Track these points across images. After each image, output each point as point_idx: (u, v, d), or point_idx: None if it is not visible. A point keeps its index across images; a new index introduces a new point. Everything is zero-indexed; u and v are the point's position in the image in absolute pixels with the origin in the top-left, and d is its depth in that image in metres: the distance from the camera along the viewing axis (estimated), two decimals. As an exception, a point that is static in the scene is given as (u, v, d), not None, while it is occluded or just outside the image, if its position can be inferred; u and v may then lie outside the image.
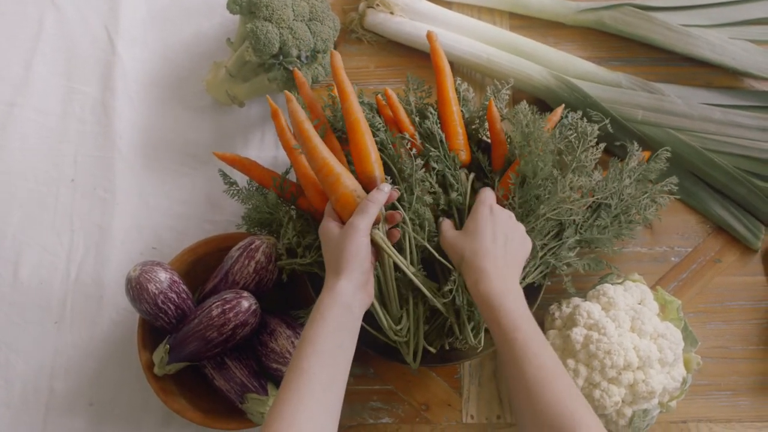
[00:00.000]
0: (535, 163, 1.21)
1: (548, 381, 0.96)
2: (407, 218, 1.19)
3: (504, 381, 1.27)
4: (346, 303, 1.04)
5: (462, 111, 1.33)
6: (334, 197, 1.14)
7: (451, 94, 1.31)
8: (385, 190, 1.12)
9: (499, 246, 1.12)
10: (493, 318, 1.04)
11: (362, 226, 1.07)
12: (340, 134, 1.32)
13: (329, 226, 1.12)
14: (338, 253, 1.07)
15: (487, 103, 1.32)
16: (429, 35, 1.32)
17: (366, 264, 1.08)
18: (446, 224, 1.21)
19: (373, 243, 1.12)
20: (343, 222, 1.12)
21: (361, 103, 1.35)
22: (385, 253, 1.14)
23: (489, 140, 1.34)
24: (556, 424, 0.91)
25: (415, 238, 1.18)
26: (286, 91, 1.22)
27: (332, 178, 1.14)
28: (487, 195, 1.21)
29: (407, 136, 1.28)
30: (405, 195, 1.22)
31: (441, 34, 1.54)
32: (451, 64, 1.55)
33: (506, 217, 1.17)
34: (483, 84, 1.59)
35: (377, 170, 1.16)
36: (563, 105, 1.38)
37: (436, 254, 1.19)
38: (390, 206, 1.18)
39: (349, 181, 1.14)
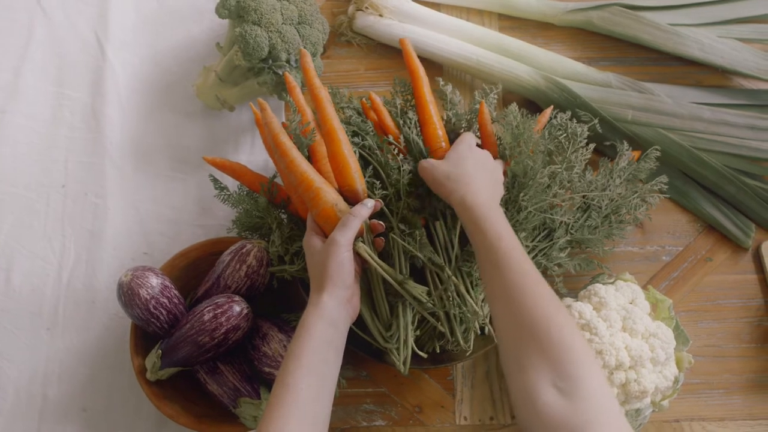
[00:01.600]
0: (526, 163, 1.22)
1: (530, 285, 0.96)
2: (395, 224, 1.19)
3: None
4: (330, 318, 1.05)
5: (449, 114, 1.33)
6: (315, 211, 1.13)
7: (428, 97, 1.29)
8: (368, 206, 1.12)
9: (482, 173, 1.15)
10: (477, 227, 1.05)
11: (343, 241, 1.07)
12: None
13: (312, 241, 1.12)
14: (321, 269, 1.08)
15: (477, 106, 1.32)
16: (402, 42, 1.31)
17: (349, 279, 1.08)
18: (426, 160, 1.22)
19: (359, 255, 1.12)
20: (325, 234, 1.13)
21: (349, 107, 1.35)
22: (371, 266, 1.14)
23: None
24: (534, 328, 0.91)
25: (403, 245, 1.18)
26: (260, 100, 1.21)
27: (312, 192, 1.13)
28: (467, 136, 1.23)
29: (392, 140, 1.28)
30: (393, 200, 1.22)
31: (430, 36, 1.55)
32: (441, 65, 1.56)
33: (486, 154, 1.21)
34: (473, 86, 1.59)
35: (358, 182, 1.16)
36: (552, 106, 1.38)
37: (424, 260, 1.19)
38: (377, 214, 1.18)
39: (329, 195, 1.13)
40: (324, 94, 1.20)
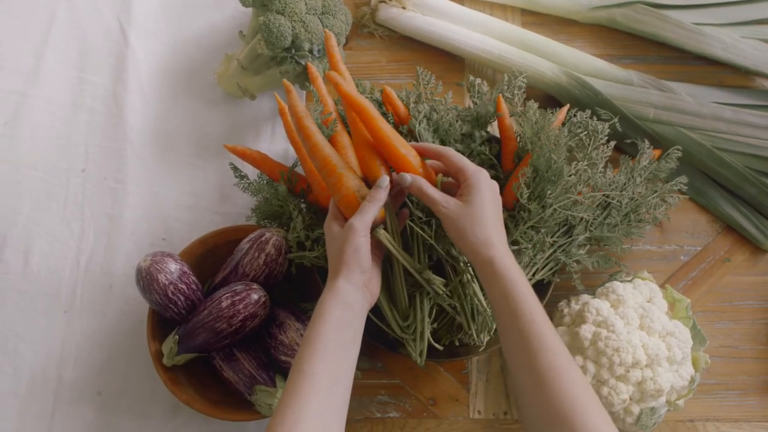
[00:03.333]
0: (548, 156, 1.21)
1: (563, 368, 0.95)
2: (413, 212, 1.18)
3: (509, 370, 1.23)
4: (346, 302, 1.04)
5: (475, 101, 1.32)
6: (337, 197, 1.13)
7: (384, 127, 1.15)
8: (383, 186, 1.09)
9: (498, 218, 1.10)
10: (505, 295, 1.01)
11: (360, 227, 1.06)
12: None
13: (332, 226, 1.11)
14: (338, 254, 1.07)
15: (500, 93, 1.32)
16: (329, 76, 1.17)
17: (366, 264, 1.07)
18: (436, 192, 1.11)
19: (379, 242, 1.12)
20: (346, 220, 1.12)
21: (371, 99, 1.35)
22: (391, 252, 1.14)
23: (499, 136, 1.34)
24: (566, 411, 0.91)
25: (420, 233, 1.18)
26: (285, 81, 1.18)
27: (334, 177, 1.12)
28: (473, 165, 1.12)
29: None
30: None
31: (452, 29, 1.55)
32: (462, 59, 1.56)
33: (495, 186, 1.13)
34: (494, 80, 1.59)
35: (383, 171, 1.15)
36: (569, 104, 1.38)
37: (442, 252, 1.19)
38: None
39: (351, 181, 1.12)
40: (349, 77, 1.20)
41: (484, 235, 1.05)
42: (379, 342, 1.23)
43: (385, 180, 1.10)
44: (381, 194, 1.09)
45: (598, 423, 0.90)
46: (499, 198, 1.13)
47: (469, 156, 1.30)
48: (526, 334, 0.98)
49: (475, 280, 1.18)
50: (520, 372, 0.99)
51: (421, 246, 1.19)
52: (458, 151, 1.25)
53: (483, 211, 1.07)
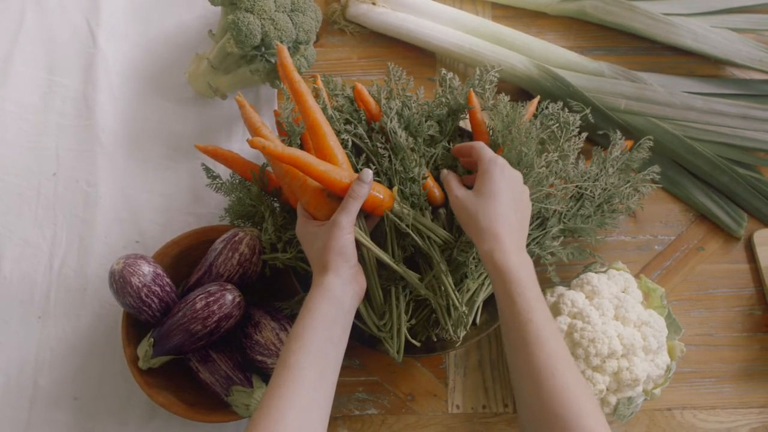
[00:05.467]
0: (519, 149, 1.21)
1: (559, 369, 0.94)
2: (386, 212, 1.18)
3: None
4: (335, 297, 1.04)
5: (448, 97, 1.32)
6: (304, 199, 1.13)
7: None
8: (366, 181, 1.09)
9: (512, 211, 1.08)
10: (506, 291, 1.01)
11: (346, 223, 1.06)
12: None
13: (308, 228, 1.11)
14: (323, 252, 1.07)
15: (471, 87, 1.32)
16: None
17: (353, 258, 1.08)
18: (453, 180, 1.16)
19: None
20: (316, 218, 1.12)
21: (342, 95, 1.34)
22: (365, 248, 1.14)
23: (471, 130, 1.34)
24: (561, 413, 0.90)
25: (397, 225, 1.18)
26: (236, 98, 1.21)
27: (298, 181, 1.13)
28: (490, 152, 1.14)
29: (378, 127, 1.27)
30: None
31: (423, 24, 1.55)
32: (434, 54, 1.56)
33: (517, 178, 1.13)
34: (466, 74, 1.60)
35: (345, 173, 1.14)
36: (539, 96, 1.38)
37: (418, 239, 1.18)
38: None
39: (316, 183, 1.12)
40: (304, 87, 1.16)
41: (489, 227, 1.05)
42: (356, 339, 1.22)
43: (368, 175, 1.09)
44: (364, 189, 1.09)
45: (593, 426, 0.89)
46: (521, 191, 1.12)
47: (432, 155, 1.29)
48: (522, 333, 0.97)
49: (449, 275, 1.17)
50: (516, 371, 0.98)
51: (394, 242, 1.19)
52: (425, 149, 1.26)
53: (490, 202, 1.07)
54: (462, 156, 1.21)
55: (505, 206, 1.07)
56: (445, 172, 1.19)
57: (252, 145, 1.05)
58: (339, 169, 1.11)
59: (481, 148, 1.14)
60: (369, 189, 1.10)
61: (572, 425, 0.89)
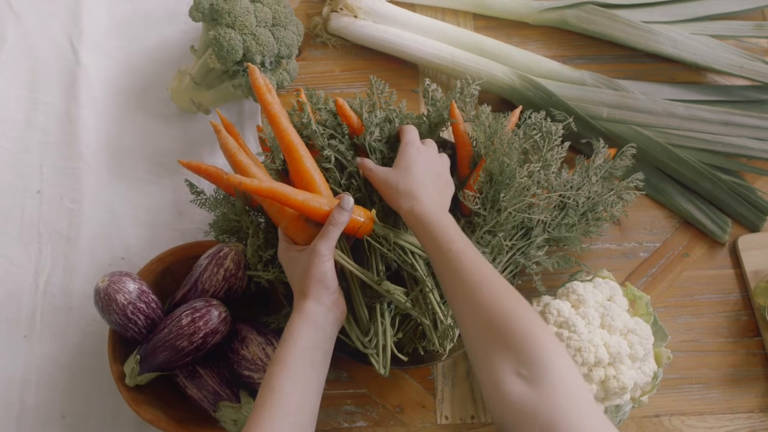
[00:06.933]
0: (501, 160, 1.22)
1: (484, 282, 0.97)
2: (365, 237, 1.18)
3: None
4: (315, 322, 1.06)
5: (429, 109, 1.32)
6: (283, 224, 1.14)
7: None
8: (347, 209, 1.10)
9: (430, 181, 1.16)
10: (427, 234, 1.06)
11: (326, 251, 1.07)
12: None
13: (289, 253, 1.12)
14: (303, 278, 1.08)
15: (454, 98, 1.32)
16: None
17: (333, 285, 1.09)
18: (369, 162, 1.23)
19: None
20: (296, 243, 1.13)
21: (325, 110, 1.33)
22: (347, 270, 1.15)
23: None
24: (493, 322, 0.92)
25: (379, 248, 1.18)
26: (212, 122, 1.23)
27: (275, 208, 1.14)
28: (412, 135, 1.23)
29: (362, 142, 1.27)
30: (367, 203, 1.22)
31: (405, 36, 1.55)
32: (416, 66, 1.56)
33: (433, 153, 1.21)
34: (448, 85, 1.60)
35: (324, 194, 1.15)
36: (521, 106, 1.39)
37: (395, 257, 1.18)
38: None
39: (294, 210, 1.12)
40: (277, 109, 1.16)
41: (406, 189, 1.12)
42: (343, 352, 1.22)
43: (349, 202, 1.11)
44: (344, 217, 1.10)
45: (523, 322, 0.91)
46: (438, 165, 1.21)
47: None
48: (447, 262, 1.02)
49: (435, 291, 1.17)
50: (452, 300, 1.02)
51: (377, 257, 1.19)
52: None
53: (407, 172, 1.15)
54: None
55: (422, 176, 1.15)
56: (358, 159, 1.24)
57: (229, 182, 1.07)
58: (317, 197, 1.12)
59: (404, 131, 1.24)
60: (349, 216, 1.11)
61: (502, 328, 0.91)
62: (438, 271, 1.05)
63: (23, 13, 1.64)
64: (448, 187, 1.21)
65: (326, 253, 1.07)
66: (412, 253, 1.17)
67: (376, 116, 1.28)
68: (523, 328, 0.90)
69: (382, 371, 1.17)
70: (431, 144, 1.24)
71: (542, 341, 0.88)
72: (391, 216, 1.22)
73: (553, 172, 1.29)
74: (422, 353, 1.25)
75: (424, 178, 1.15)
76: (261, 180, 1.09)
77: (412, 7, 1.64)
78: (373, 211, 1.17)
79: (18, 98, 1.56)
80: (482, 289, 0.96)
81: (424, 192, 1.12)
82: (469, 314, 0.96)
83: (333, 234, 1.08)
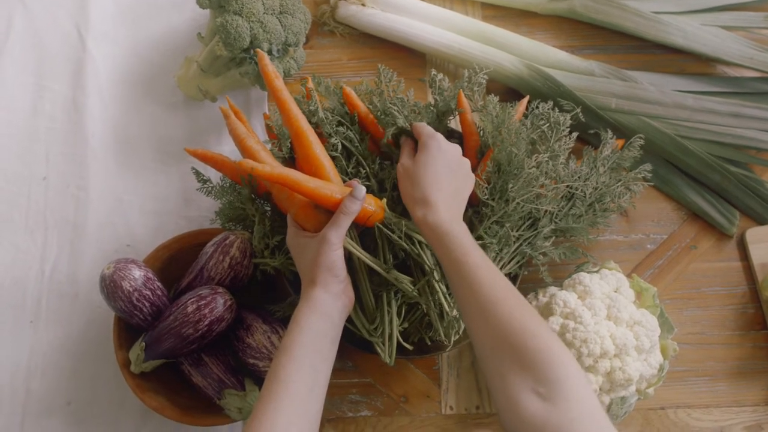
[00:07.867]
0: (509, 150, 1.21)
1: (501, 298, 0.97)
2: (377, 224, 1.18)
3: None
4: (325, 311, 1.05)
5: (436, 98, 1.32)
6: (292, 211, 1.13)
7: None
8: (359, 198, 1.09)
9: (448, 181, 1.14)
10: (441, 245, 1.05)
11: (336, 240, 1.07)
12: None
13: (298, 240, 1.12)
14: (312, 266, 1.08)
15: (462, 87, 1.31)
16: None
17: (342, 273, 1.09)
18: (408, 148, 1.23)
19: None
20: (305, 229, 1.13)
21: (333, 98, 1.33)
22: (356, 257, 1.14)
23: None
24: (510, 339, 0.92)
25: (389, 235, 1.17)
26: (221, 108, 1.23)
27: (284, 193, 1.14)
28: (431, 130, 1.21)
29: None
30: (376, 191, 1.22)
31: (413, 25, 1.55)
32: (423, 55, 1.56)
33: (454, 150, 1.19)
34: (456, 75, 1.59)
35: (334, 180, 1.15)
36: (528, 96, 1.38)
37: (406, 246, 1.18)
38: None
39: (304, 197, 1.12)
40: (286, 95, 1.16)
41: (421, 194, 1.11)
42: (349, 341, 1.22)
43: (361, 191, 1.10)
44: (356, 206, 1.10)
45: (540, 339, 0.91)
46: (458, 163, 1.18)
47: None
48: (462, 275, 1.01)
49: (442, 283, 1.17)
50: (465, 313, 1.01)
51: (386, 248, 1.19)
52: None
53: (424, 171, 1.13)
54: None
55: (440, 175, 1.13)
56: (404, 138, 1.25)
57: (240, 167, 1.06)
58: (329, 184, 1.11)
59: (422, 126, 1.22)
60: (361, 205, 1.10)
61: (518, 345, 0.91)
62: (451, 281, 1.05)
63: (30, 1, 1.64)
64: (466, 185, 1.19)
65: (336, 242, 1.07)
66: (420, 243, 1.16)
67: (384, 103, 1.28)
68: (540, 344, 0.90)
69: (387, 360, 1.16)
70: (454, 145, 1.21)
71: (560, 359, 0.89)
72: (400, 204, 1.22)
73: (561, 163, 1.28)
74: (429, 343, 1.24)
75: (442, 177, 1.13)
76: (273, 166, 1.09)
77: (420, -5, 1.63)
78: (384, 200, 1.16)
79: (24, 86, 1.56)
80: (498, 305, 0.96)
81: (439, 198, 1.10)
82: (484, 328, 0.96)
83: (344, 223, 1.08)
